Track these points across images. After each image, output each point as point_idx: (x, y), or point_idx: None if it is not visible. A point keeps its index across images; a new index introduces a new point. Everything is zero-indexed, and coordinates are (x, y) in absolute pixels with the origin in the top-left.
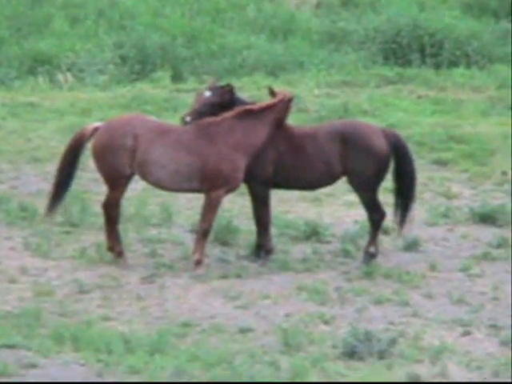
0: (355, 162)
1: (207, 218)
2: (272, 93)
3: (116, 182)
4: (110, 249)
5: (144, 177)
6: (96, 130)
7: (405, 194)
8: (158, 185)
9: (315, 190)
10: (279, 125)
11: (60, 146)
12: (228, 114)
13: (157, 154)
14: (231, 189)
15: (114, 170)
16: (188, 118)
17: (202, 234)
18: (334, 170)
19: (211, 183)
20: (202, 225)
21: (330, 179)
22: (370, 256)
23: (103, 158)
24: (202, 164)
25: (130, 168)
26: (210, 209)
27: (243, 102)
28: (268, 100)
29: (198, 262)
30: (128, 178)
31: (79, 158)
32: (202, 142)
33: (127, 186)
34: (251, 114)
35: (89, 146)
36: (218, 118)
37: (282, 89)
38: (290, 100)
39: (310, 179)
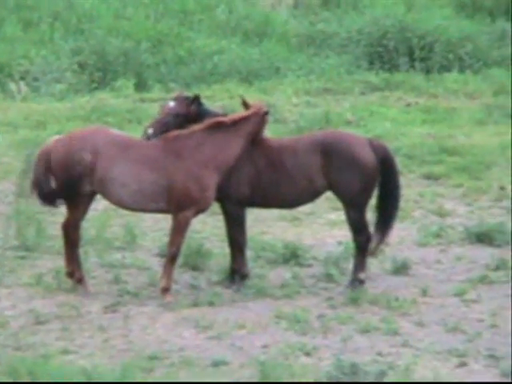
0: (339, 176)
1: (175, 240)
2: (245, 105)
3: (75, 201)
4: (70, 275)
5: (105, 196)
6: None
7: (387, 212)
8: (121, 205)
9: (295, 208)
10: (255, 139)
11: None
12: (197, 127)
13: (118, 170)
14: (201, 209)
15: (73, 187)
16: (150, 130)
17: (170, 258)
18: (316, 185)
19: (178, 203)
20: (169, 248)
21: (312, 195)
22: (358, 282)
23: (61, 175)
24: (168, 182)
25: (90, 186)
26: (178, 231)
27: (212, 114)
28: (241, 111)
29: (166, 289)
30: (89, 197)
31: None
32: (168, 158)
33: (88, 206)
34: (223, 127)
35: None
36: (186, 132)
37: (256, 99)
38: (265, 113)
39: (289, 196)
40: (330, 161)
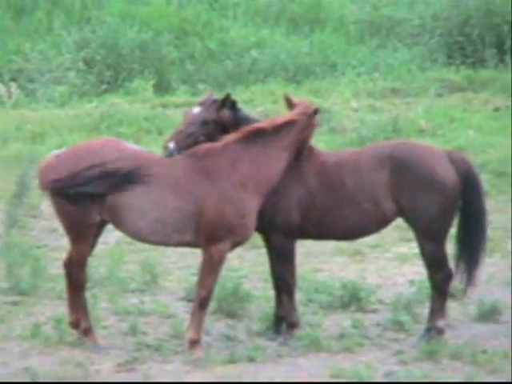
0: (412, 199)
1: (206, 281)
2: (289, 103)
3: (81, 232)
4: (74, 325)
5: (118, 226)
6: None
7: (472, 243)
8: (138, 237)
9: (356, 239)
10: (302, 149)
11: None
12: (230, 138)
13: (134, 194)
14: (239, 241)
15: (78, 216)
16: (171, 145)
17: (200, 303)
18: (382, 210)
19: (210, 234)
20: (199, 291)
21: (378, 223)
22: (436, 332)
23: (61, 200)
24: (197, 208)
25: (98, 214)
26: (210, 269)
27: (251, 121)
28: (284, 114)
29: (195, 342)
30: (97, 228)
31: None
32: (196, 179)
33: (97, 239)
34: (262, 136)
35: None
36: (217, 145)
37: (303, 99)
38: (314, 112)
39: (349, 224)
40: (400, 179)
